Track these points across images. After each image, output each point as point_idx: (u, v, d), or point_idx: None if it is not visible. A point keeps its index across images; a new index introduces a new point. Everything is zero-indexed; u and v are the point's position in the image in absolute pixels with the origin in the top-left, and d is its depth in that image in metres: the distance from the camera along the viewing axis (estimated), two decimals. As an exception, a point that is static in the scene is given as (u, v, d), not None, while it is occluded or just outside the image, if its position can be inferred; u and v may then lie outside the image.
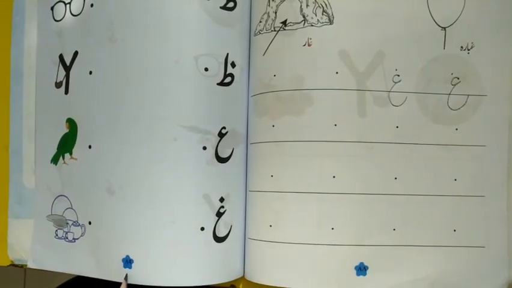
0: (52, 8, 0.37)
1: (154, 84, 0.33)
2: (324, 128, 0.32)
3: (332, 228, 0.32)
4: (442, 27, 0.33)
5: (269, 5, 0.33)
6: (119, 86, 0.34)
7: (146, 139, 0.33)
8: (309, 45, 0.32)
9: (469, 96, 0.33)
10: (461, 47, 0.33)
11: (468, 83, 0.33)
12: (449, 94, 0.33)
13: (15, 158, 0.39)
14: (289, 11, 0.32)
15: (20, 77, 0.39)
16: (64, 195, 0.36)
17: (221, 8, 0.33)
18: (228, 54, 0.34)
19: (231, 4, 0.34)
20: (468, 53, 0.33)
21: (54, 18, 0.37)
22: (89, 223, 0.35)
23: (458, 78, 0.33)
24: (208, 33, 0.33)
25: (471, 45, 0.33)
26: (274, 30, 0.33)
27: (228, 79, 0.34)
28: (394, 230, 0.32)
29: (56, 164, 0.37)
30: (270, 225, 0.33)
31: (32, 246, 0.38)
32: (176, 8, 0.33)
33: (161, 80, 0.33)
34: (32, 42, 0.39)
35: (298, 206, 0.32)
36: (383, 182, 0.32)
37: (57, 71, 0.37)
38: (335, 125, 0.32)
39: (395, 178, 0.32)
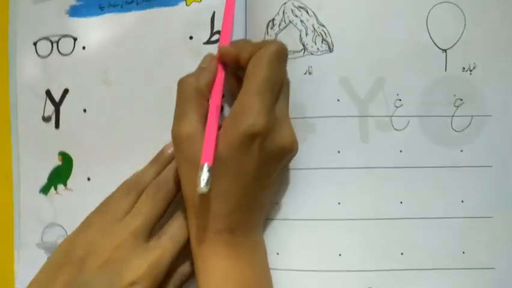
0: (35, 44, 0.39)
1: (150, 121, 0.35)
2: (327, 155, 0.32)
3: (340, 255, 0.32)
4: (443, 50, 0.33)
5: (267, 33, 0.34)
6: (115, 122, 0.37)
7: None
8: (309, 73, 0.32)
9: (473, 117, 0.33)
10: (463, 68, 0.33)
11: (471, 103, 0.33)
12: (453, 116, 0.33)
13: (17, 191, 0.39)
14: (288, 40, 0.33)
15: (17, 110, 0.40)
16: (57, 224, 0.38)
17: (205, 43, 0.35)
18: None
19: (215, 37, 0.35)
20: (470, 73, 0.33)
21: (38, 54, 0.39)
22: None
23: (461, 100, 0.33)
24: (192, 70, 0.33)
25: (473, 65, 0.33)
26: (275, 59, 0.33)
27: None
28: (402, 254, 0.32)
29: (46, 194, 0.38)
30: (277, 253, 0.33)
31: (20, 272, 0.39)
32: (164, 52, 0.36)
33: (153, 121, 0.35)
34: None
35: (304, 233, 0.32)
36: (389, 206, 0.32)
37: (44, 105, 0.38)
38: (338, 151, 0.32)
39: (401, 202, 0.32)
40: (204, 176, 0.26)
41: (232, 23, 0.34)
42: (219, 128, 0.29)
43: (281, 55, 0.28)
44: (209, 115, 0.29)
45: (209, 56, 0.32)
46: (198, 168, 0.26)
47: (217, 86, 0.30)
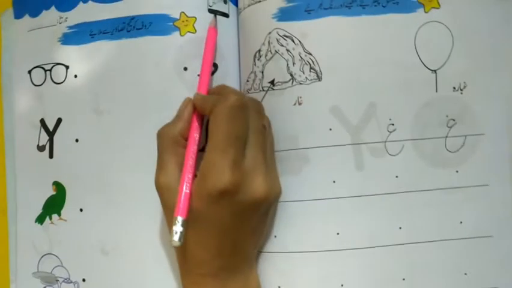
0: (30, 72, 0.38)
1: (142, 151, 0.34)
2: (323, 186, 0.32)
3: (342, 285, 0.32)
4: (433, 70, 0.32)
5: (255, 65, 0.33)
6: (107, 153, 0.36)
7: (136, 204, 0.35)
8: (299, 103, 0.32)
9: (467, 136, 0.32)
10: (454, 88, 0.32)
11: (464, 123, 0.32)
12: (446, 137, 0.32)
13: (12, 224, 0.39)
14: (276, 70, 0.32)
15: (12, 142, 0.39)
16: (53, 254, 0.37)
17: (199, 75, 0.33)
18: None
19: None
20: (461, 93, 0.32)
21: (32, 83, 0.38)
22: (83, 280, 0.36)
23: (453, 120, 0.32)
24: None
25: (463, 85, 0.32)
26: (263, 90, 0.33)
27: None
28: (404, 279, 0.32)
29: (41, 224, 0.38)
30: (279, 287, 0.32)
31: None
32: (156, 81, 0.34)
33: (144, 152, 0.34)
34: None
35: (305, 266, 0.32)
36: (388, 233, 0.32)
37: (39, 134, 0.37)
38: (334, 181, 0.32)
39: (400, 228, 0.32)
40: (177, 229, 0.27)
41: (211, 69, 0.33)
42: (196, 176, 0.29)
43: (239, 108, 0.28)
44: (184, 165, 0.29)
45: (184, 103, 0.31)
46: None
47: (191, 134, 0.30)
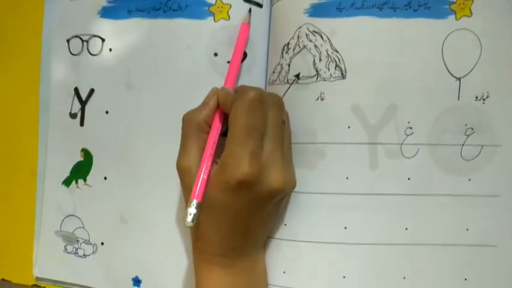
0: (68, 41, 0.39)
1: (168, 129, 0.36)
2: (336, 181, 0.33)
3: (344, 277, 0.33)
4: (457, 78, 0.32)
5: (282, 57, 0.34)
6: (134, 127, 0.37)
7: (156, 179, 0.37)
8: (322, 99, 0.33)
9: (483, 146, 0.33)
10: (476, 97, 0.33)
11: (482, 133, 0.33)
12: (463, 145, 0.33)
13: (40, 185, 0.41)
14: (302, 65, 0.33)
15: (47, 108, 0.41)
16: (76, 216, 0.39)
17: (229, 62, 0.34)
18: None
19: None
20: (483, 102, 0.33)
21: (70, 51, 0.39)
22: (102, 243, 0.39)
23: (472, 129, 0.33)
24: (213, 87, 0.33)
25: (486, 94, 0.33)
26: (288, 83, 0.34)
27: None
28: (404, 278, 0.33)
29: (67, 187, 0.40)
30: (284, 272, 0.34)
31: (37, 257, 0.41)
32: (186, 64, 0.35)
33: (170, 130, 0.35)
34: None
35: (311, 255, 0.33)
36: (394, 232, 0.33)
37: (72, 102, 0.39)
38: (347, 178, 0.33)
39: (406, 228, 0.33)
40: (191, 211, 0.28)
41: (239, 66, 0.34)
42: (216, 163, 0.30)
43: (258, 101, 0.29)
44: (204, 151, 0.30)
45: (211, 92, 0.32)
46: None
47: (214, 122, 0.31)
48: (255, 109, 0.29)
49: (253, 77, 0.36)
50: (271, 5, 0.36)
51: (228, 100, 0.30)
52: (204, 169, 0.30)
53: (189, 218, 0.28)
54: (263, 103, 0.30)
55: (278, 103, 0.31)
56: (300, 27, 0.33)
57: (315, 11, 0.33)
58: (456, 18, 0.32)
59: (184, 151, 0.31)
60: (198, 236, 0.32)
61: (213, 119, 0.31)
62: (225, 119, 0.31)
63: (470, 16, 0.32)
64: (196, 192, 0.29)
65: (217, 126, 0.31)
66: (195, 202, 0.29)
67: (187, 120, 0.32)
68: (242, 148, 0.28)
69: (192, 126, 0.31)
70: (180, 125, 0.32)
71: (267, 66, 0.36)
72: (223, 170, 0.29)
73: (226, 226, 0.30)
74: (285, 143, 0.31)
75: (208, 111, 0.31)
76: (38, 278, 0.41)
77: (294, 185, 0.32)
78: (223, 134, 0.31)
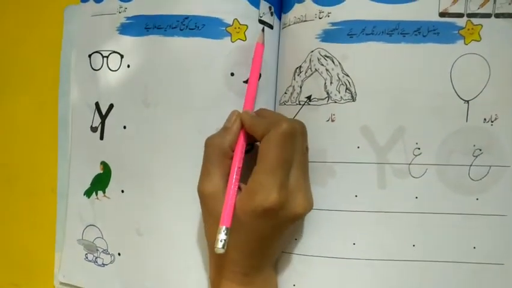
0: (90, 56, 0.40)
1: (183, 146, 0.37)
2: (345, 199, 0.34)
3: (352, 291, 0.34)
4: (465, 100, 0.33)
5: (294, 79, 0.35)
6: (149, 143, 0.38)
7: (171, 194, 0.37)
8: (332, 120, 0.34)
9: (491, 167, 0.34)
10: (485, 119, 0.33)
11: (491, 154, 0.33)
12: (471, 165, 0.34)
13: (61, 200, 0.43)
14: (314, 87, 0.34)
15: (66, 124, 0.42)
16: (95, 226, 0.40)
17: (245, 82, 0.36)
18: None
19: None
20: (491, 124, 0.33)
21: (91, 67, 0.40)
22: (119, 254, 0.40)
23: (480, 150, 0.33)
24: (229, 106, 0.35)
25: (495, 117, 0.33)
26: (299, 104, 0.35)
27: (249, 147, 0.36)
28: (412, 293, 0.34)
29: (88, 197, 0.41)
30: (294, 285, 0.35)
31: (62, 263, 0.42)
32: (203, 83, 0.36)
33: (185, 147, 0.36)
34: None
35: (320, 269, 0.35)
36: (401, 248, 0.34)
37: (93, 116, 0.40)
38: (356, 196, 0.34)
39: (413, 245, 0.34)
40: (222, 237, 0.29)
41: (257, 86, 0.35)
42: (240, 188, 0.31)
43: (290, 135, 0.30)
44: (229, 177, 0.31)
45: (234, 115, 0.33)
46: (218, 226, 0.30)
47: (238, 148, 0.32)
48: (288, 143, 0.30)
49: (266, 97, 0.37)
50: (281, 28, 0.37)
51: (257, 126, 0.31)
52: (231, 195, 0.31)
53: (219, 245, 0.29)
54: (295, 136, 0.30)
55: (303, 130, 0.32)
56: (312, 51, 0.34)
57: (327, 36, 0.34)
58: (465, 43, 0.33)
59: (208, 175, 0.32)
60: (220, 256, 0.32)
61: (235, 145, 0.32)
62: (247, 144, 0.32)
63: (479, 41, 0.33)
64: (225, 218, 0.30)
65: (241, 151, 0.32)
66: (224, 228, 0.30)
67: (211, 145, 0.32)
68: (272, 178, 0.29)
69: (216, 151, 0.32)
70: (196, 143, 0.33)
71: (276, 86, 0.37)
72: (252, 198, 0.30)
73: (249, 247, 0.31)
74: (307, 168, 0.33)
75: (232, 136, 0.32)
76: (60, 283, 0.43)
77: (312, 207, 0.33)
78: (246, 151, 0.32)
